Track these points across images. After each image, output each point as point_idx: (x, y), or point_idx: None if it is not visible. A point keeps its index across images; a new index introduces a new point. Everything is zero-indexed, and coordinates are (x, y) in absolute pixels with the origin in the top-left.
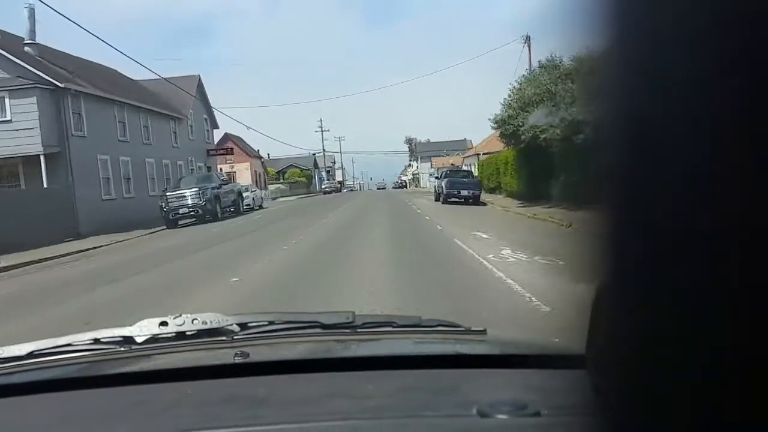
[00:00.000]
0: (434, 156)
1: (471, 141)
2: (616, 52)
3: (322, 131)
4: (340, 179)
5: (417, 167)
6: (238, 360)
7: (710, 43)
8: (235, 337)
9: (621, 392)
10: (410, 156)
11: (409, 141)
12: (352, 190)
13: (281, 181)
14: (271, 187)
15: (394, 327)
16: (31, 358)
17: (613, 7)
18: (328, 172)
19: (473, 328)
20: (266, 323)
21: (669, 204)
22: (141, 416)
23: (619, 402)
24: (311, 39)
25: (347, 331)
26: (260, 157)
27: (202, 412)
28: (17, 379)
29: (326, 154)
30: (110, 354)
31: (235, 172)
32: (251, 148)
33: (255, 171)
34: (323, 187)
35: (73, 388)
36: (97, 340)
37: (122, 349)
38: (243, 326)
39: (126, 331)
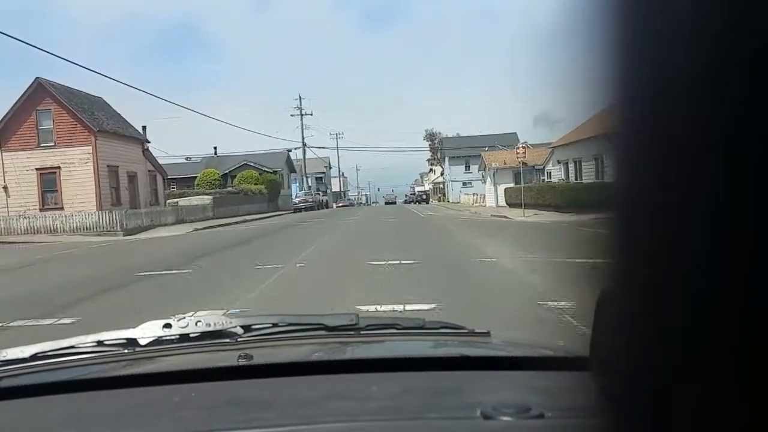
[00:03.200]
0: (487, 150)
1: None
2: (622, 56)
3: (301, 115)
4: (338, 189)
5: (444, 172)
6: (242, 362)
7: (717, 46)
8: (239, 339)
9: (625, 394)
10: (432, 158)
11: (431, 136)
12: (351, 204)
13: (225, 189)
14: (186, 200)
15: (398, 329)
16: (35, 360)
17: (621, 16)
18: (319, 179)
19: (477, 330)
20: (270, 325)
21: (674, 208)
22: (144, 418)
23: (623, 404)
24: (308, 37)
25: (351, 333)
26: (143, 142)
27: (206, 414)
28: (21, 381)
29: (317, 154)
30: (114, 356)
31: (58, 167)
32: (121, 121)
33: (108, 167)
34: (295, 200)
35: (77, 390)
36: (100, 343)
37: (126, 351)
38: (247, 328)
39: (129, 334)
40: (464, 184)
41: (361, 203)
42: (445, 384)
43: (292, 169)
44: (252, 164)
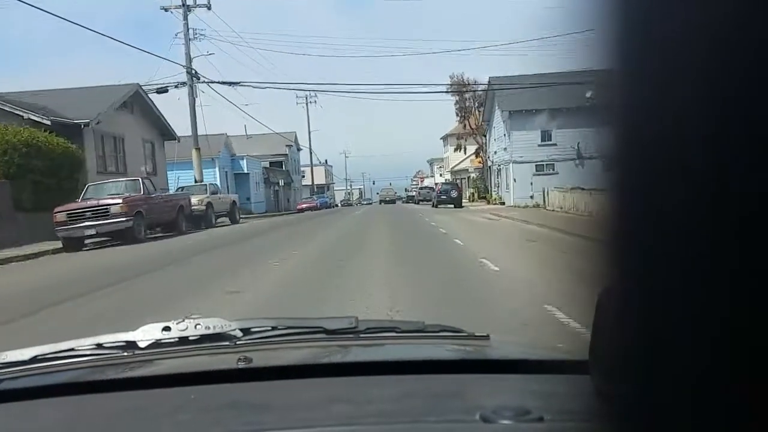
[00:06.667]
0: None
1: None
2: (620, 56)
3: (185, 7)
4: (310, 182)
5: (488, 145)
6: (241, 365)
7: (716, 46)
8: (238, 342)
9: (623, 398)
10: (463, 129)
11: (460, 86)
12: (325, 204)
13: None
14: None
15: (397, 332)
16: (34, 363)
17: (619, 15)
18: (276, 165)
19: (477, 334)
20: (269, 328)
21: (673, 210)
22: (143, 421)
23: (621, 407)
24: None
25: (350, 336)
26: None
27: (205, 417)
28: (20, 384)
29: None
30: (113, 359)
31: None
32: None
33: None
34: (60, 213)
35: (76, 393)
36: (99, 345)
37: (125, 354)
38: (246, 331)
39: (129, 336)
40: (538, 167)
41: (348, 202)
42: (445, 387)
43: (166, 134)
44: (32, 116)
